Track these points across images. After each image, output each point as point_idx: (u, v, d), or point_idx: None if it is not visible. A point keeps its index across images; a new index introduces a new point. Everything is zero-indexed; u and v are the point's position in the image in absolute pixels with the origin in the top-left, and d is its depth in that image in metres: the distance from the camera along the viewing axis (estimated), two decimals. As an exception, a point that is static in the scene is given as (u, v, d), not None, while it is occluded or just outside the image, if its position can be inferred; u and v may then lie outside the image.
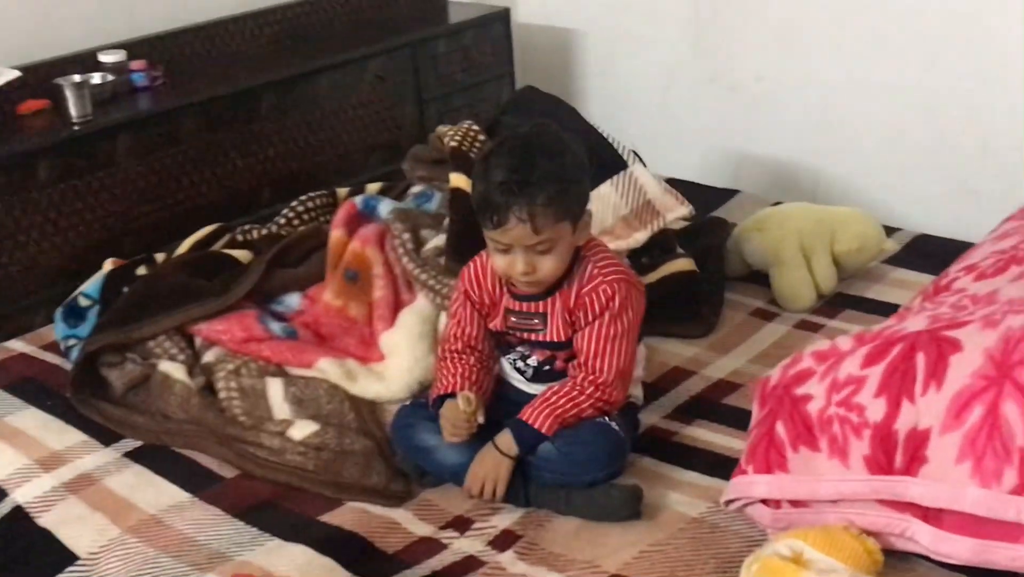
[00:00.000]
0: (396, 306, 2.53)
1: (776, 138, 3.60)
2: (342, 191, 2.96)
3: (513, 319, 2.10)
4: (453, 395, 2.06)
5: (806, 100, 3.49)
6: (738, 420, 2.24)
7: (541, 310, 2.07)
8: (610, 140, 2.65)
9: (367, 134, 3.39)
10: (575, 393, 2.03)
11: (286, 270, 2.62)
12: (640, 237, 2.53)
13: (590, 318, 2.04)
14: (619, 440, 2.04)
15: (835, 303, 2.68)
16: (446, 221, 2.60)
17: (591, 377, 2.03)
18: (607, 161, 2.56)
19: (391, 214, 2.61)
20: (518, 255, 1.96)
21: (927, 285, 2.25)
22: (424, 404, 2.15)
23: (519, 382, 2.17)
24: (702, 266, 2.65)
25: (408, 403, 2.21)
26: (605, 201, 2.53)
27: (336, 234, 2.61)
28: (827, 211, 2.75)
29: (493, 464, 2.02)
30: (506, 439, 2.03)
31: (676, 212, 2.58)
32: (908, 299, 2.56)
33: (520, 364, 2.15)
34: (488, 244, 2.01)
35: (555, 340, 2.08)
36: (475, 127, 2.70)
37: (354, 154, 3.36)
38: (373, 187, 2.99)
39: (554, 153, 1.95)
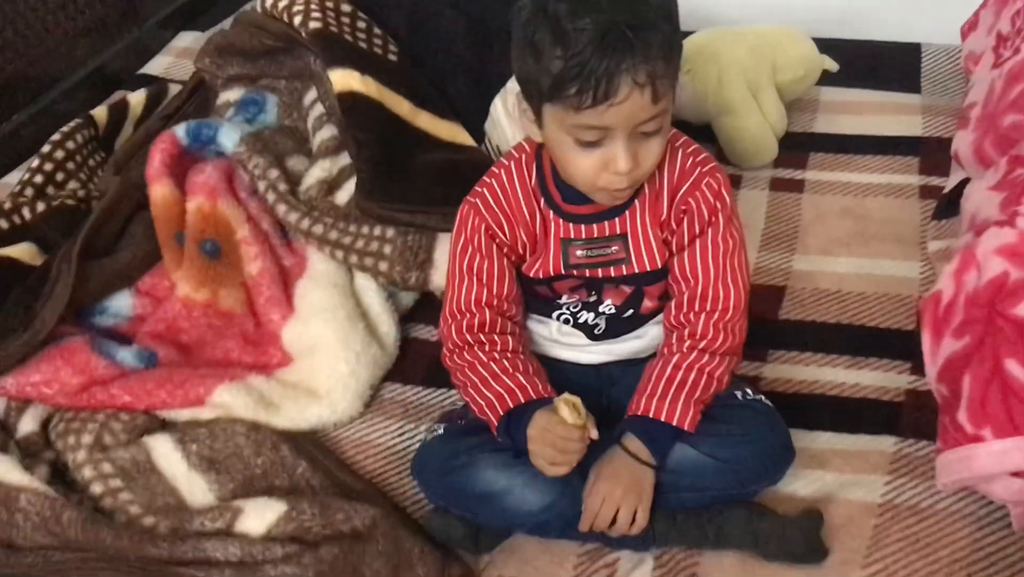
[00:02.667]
0: (284, 280, 1.72)
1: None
2: (99, 112, 2.02)
3: (579, 252, 1.41)
4: (529, 406, 1.35)
5: None
6: (822, 338, 1.70)
7: (619, 230, 1.40)
8: None
9: (63, 16, 2.36)
10: (697, 355, 1.39)
11: (97, 262, 1.70)
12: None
13: (697, 229, 1.40)
14: (782, 425, 1.43)
15: (792, 147, 2.15)
16: (319, 136, 1.78)
17: (715, 317, 1.40)
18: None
19: (241, 144, 1.75)
20: (618, 144, 1.26)
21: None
22: (459, 430, 1.44)
23: (573, 348, 1.49)
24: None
25: (438, 431, 1.46)
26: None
27: (161, 191, 1.72)
28: (756, 34, 2.17)
29: (633, 478, 1.35)
30: (635, 445, 1.36)
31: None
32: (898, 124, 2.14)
33: (587, 317, 1.46)
34: (556, 138, 1.29)
35: (647, 269, 1.42)
36: None
37: (53, 47, 2.33)
38: (136, 99, 2.07)
39: None
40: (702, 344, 1.40)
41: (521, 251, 1.43)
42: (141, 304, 1.71)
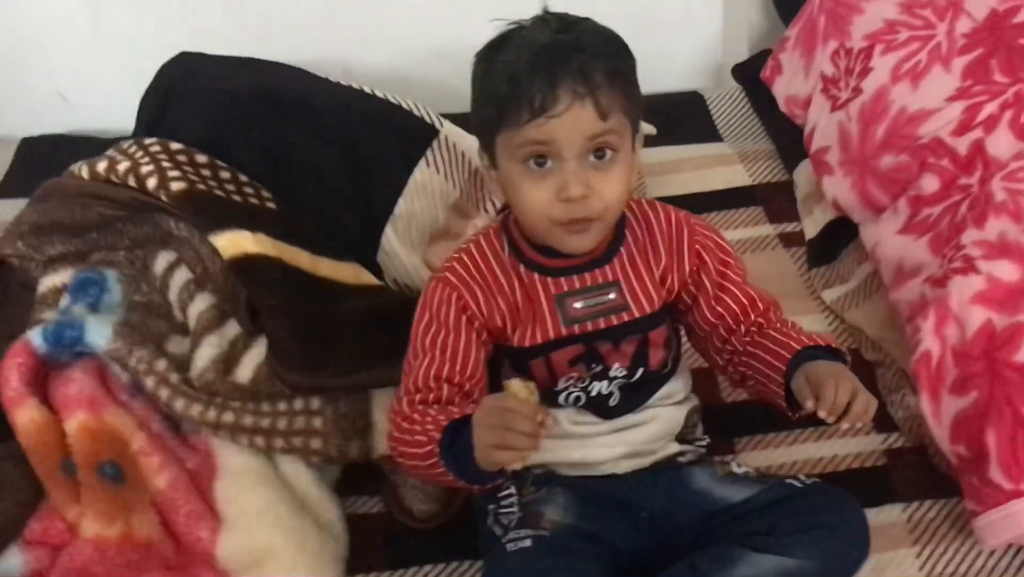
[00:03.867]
0: (199, 486, 1.46)
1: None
2: None
3: (578, 304, 1.34)
4: (455, 431, 1.24)
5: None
6: (777, 414, 1.63)
7: (611, 277, 1.36)
8: (398, 102, 1.71)
9: None
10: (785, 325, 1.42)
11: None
12: (479, 223, 1.71)
13: (720, 265, 1.42)
14: (855, 502, 1.34)
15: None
16: (195, 309, 1.52)
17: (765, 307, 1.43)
18: (409, 133, 1.66)
19: (116, 339, 1.46)
20: (568, 168, 1.24)
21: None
22: (549, 543, 1.27)
23: (586, 442, 1.38)
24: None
25: (523, 542, 1.28)
26: (427, 191, 1.65)
27: (28, 415, 1.40)
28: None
29: (848, 374, 1.27)
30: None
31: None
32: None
33: (599, 387, 1.36)
34: (509, 172, 1.28)
35: (647, 312, 1.36)
36: (175, 146, 1.57)
37: None
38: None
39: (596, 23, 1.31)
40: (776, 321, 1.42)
41: (500, 324, 1.34)
42: (36, 558, 1.38)
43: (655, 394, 1.40)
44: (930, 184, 1.67)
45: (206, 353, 1.49)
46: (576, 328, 1.34)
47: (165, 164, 1.52)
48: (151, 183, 1.49)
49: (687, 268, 1.40)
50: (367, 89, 1.71)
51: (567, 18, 1.30)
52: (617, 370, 1.36)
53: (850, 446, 1.58)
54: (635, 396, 1.39)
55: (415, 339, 1.35)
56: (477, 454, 1.18)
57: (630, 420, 1.39)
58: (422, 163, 1.65)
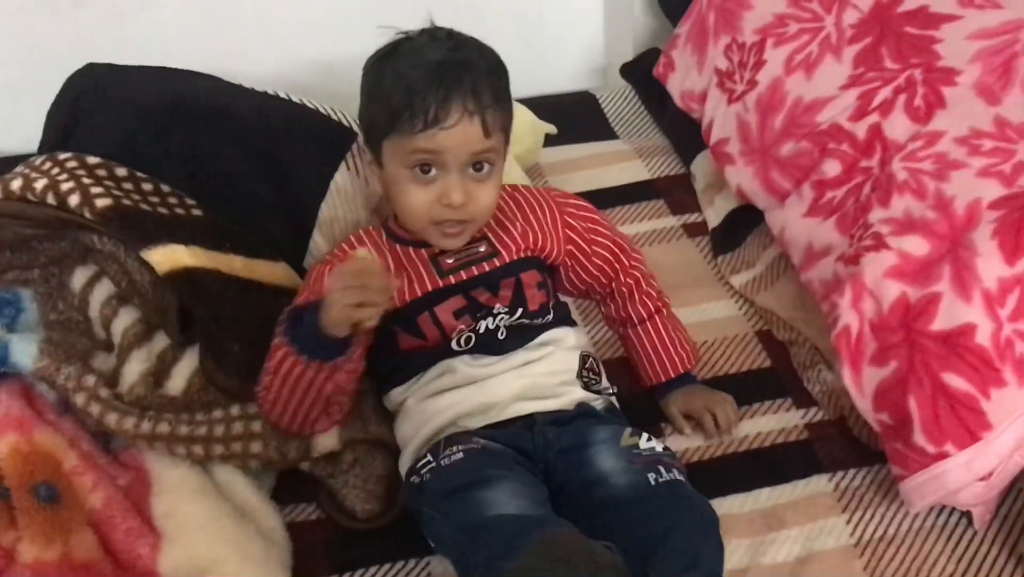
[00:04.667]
0: (135, 503, 1.43)
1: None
2: None
3: (450, 260, 1.48)
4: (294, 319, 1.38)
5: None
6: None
7: (479, 235, 1.51)
8: (315, 107, 1.69)
9: None
10: (657, 308, 1.65)
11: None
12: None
13: (590, 225, 1.62)
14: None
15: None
16: (119, 325, 1.49)
17: (643, 282, 1.66)
18: (328, 137, 1.65)
19: (43, 357, 1.41)
20: (451, 178, 1.41)
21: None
22: (479, 450, 1.35)
23: (486, 386, 1.44)
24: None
25: (456, 455, 1.34)
26: (348, 195, 1.64)
27: (-46, 440, 1.35)
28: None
29: (713, 398, 1.62)
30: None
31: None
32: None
33: (486, 324, 1.45)
34: (394, 174, 1.43)
35: (515, 257, 1.50)
36: (92, 160, 1.51)
37: None
38: None
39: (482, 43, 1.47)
40: (656, 300, 1.65)
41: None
42: (-25, 588, 1.34)
43: (541, 335, 1.49)
44: (832, 168, 1.74)
45: (135, 368, 1.46)
46: (452, 279, 1.46)
47: (86, 180, 1.48)
48: (73, 200, 1.45)
49: (556, 233, 1.55)
50: (283, 94, 1.69)
51: (456, 35, 1.45)
52: (499, 309, 1.46)
53: (772, 423, 1.63)
54: (521, 335, 1.47)
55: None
56: (332, 318, 1.30)
57: (524, 357, 1.46)
58: (342, 167, 1.64)
